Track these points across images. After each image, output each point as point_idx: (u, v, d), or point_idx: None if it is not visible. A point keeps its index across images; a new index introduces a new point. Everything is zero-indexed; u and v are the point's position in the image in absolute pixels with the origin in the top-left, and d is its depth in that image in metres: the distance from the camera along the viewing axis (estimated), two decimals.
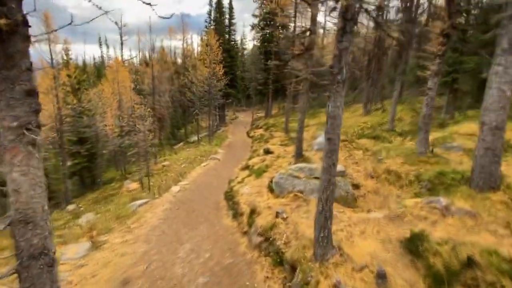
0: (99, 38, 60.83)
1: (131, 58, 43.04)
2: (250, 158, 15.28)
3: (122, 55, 48.45)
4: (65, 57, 18.51)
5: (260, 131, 27.13)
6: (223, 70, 24.88)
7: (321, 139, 12.43)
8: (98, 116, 20.52)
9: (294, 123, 25.22)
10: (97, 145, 19.64)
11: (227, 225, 7.59)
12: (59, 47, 15.77)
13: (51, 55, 15.11)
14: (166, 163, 21.23)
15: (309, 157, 10.48)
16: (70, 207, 16.20)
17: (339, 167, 7.53)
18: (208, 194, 10.52)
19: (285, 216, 5.70)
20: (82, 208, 15.66)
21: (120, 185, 18.47)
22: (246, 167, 13.54)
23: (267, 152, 15.06)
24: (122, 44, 45.50)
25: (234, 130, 32.63)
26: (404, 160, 8.12)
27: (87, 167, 20.23)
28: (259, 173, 10.29)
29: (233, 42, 38.97)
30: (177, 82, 40.97)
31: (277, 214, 5.85)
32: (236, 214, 7.70)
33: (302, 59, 9.44)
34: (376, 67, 17.68)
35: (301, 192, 6.74)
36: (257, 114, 48.73)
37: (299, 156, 9.90)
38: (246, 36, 59.24)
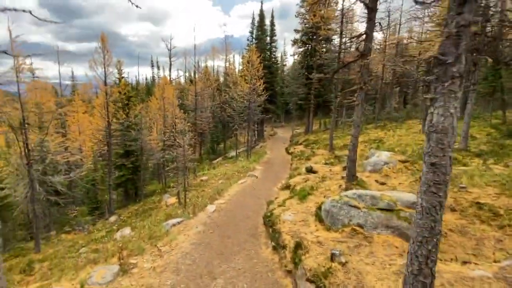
0: (151, 61, 66.64)
1: (178, 77, 45.59)
2: (290, 177, 14.06)
3: (170, 75, 52.13)
4: (117, 75, 19.88)
5: (300, 147, 25.76)
6: (263, 86, 24.50)
7: (375, 158, 10.75)
8: (145, 131, 21.39)
9: (338, 139, 23.38)
10: (141, 158, 20.27)
11: (267, 258, 6.43)
12: (112, 68, 16.84)
13: (105, 74, 16.19)
14: (204, 178, 21.04)
15: (362, 179, 8.92)
16: (113, 218, 16.59)
17: (409, 196, 5.97)
18: (244, 216, 9.53)
19: (343, 261, 4.39)
20: (122, 220, 15.89)
21: (160, 199, 18.59)
22: (287, 187, 12.34)
23: (310, 171, 13.69)
24: (170, 64, 48.84)
25: (273, 146, 31.71)
26: (500, 190, 6.19)
27: (131, 179, 20.96)
28: (302, 195, 9.03)
29: (273, 59, 39.08)
30: (219, 99, 42.15)
31: (332, 256, 4.56)
32: (277, 246, 6.52)
33: (356, 67, 8.24)
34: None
35: (361, 226, 5.35)
36: (296, 130, 47.42)
37: (352, 178, 8.43)
38: (286, 53, 59.42)
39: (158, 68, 72.68)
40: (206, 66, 52.75)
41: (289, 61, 59.90)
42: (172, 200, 16.78)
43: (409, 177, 9.02)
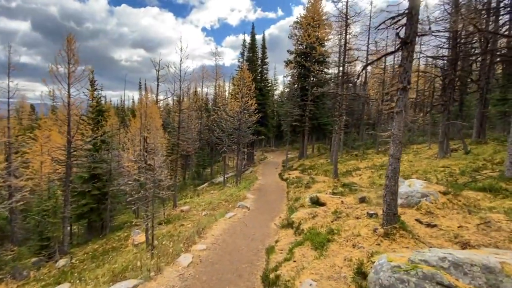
0: (139, 83, 64.59)
1: (166, 98, 43.36)
2: (291, 210, 11.26)
3: (157, 94, 49.94)
4: (87, 88, 17.20)
5: (296, 173, 23.19)
6: (255, 105, 22.39)
7: (406, 189, 8.23)
8: (118, 152, 18.28)
9: (341, 164, 20.88)
10: (110, 184, 16.90)
11: None
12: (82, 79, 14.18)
13: (68, 80, 13.52)
14: (185, 207, 17.86)
15: (405, 220, 6.29)
16: (62, 261, 12.88)
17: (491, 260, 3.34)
18: (234, 273, 6.54)
19: None
20: (73, 265, 12.24)
21: (128, 235, 15.07)
22: (289, 224, 9.53)
23: (316, 202, 11.00)
24: (158, 85, 46.88)
25: (264, 171, 28.98)
26: None
27: (96, 209, 17.39)
28: (319, 242, 6.25)
29: (265, 81, 37.76)
30: (207, 120, 39.88)
31: None
32: None
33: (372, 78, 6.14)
34: (452, 94, 13.70)
35: None
36: (288, 155, 45.32)
37: (393, 218, 5.81)
38: (277, 79, 59.16)
39: (146, 90, 70.64)
40: (195, 89, 51.26)
41: (280, 87, 59.63)
42: (142, 237, 13.43)
43: (464, 215, 6.50)
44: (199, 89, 50.67)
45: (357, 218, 8.09)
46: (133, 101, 69.32)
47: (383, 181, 13.91)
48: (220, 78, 47.56)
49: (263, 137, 29.65)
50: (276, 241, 8.39)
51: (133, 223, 16.65)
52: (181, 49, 19.20)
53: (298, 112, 26.19)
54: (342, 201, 10.46)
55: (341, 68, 19.55)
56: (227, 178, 29.11)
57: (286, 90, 39.65)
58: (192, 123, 35.22)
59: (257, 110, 22.71)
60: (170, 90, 20.38)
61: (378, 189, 11.69)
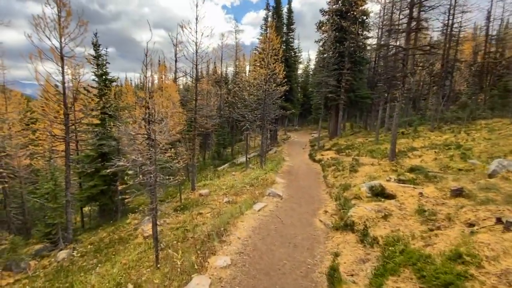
0: (158, 61, 62.12)
1: (185, 75, 40.79)
2: (342, 203, 8.28)
3: (176, 71, 47.45)
4: (91, 52, 14.68)
5: (331, 154, 19.96)
6: (283, 73, 18.93)
7: None
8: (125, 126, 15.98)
9: (381, 144, 16.99)
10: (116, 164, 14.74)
11: None
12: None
13: (60, 37, 10.96)
14: (204, 191, 15.57)
15: None
16: (63, 253, 11.09)
17: None
18: None
19: None
20: (72, 260, 10.36)
21: (139, 222, 13.03)
22: (347, 226, 6.61)
23: (381, 194, 7.91)
24: (176, 59, 44.24)
25: (290, 152, 25.98)
26: None
27: (106, 191, 15.54)
28: (441, 281, 3.29)
29: (291, 51, 33.53)
30: (227, 97, 36.98)
31: None
32: None
33: None
34: None
35: None
36: (312, 134, 41.65)
37: None
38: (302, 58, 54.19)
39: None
40: (215, 68, 47.97)
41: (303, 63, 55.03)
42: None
43: None
44: (218, 70, 47.57)
45: (470, 225, 4.96)
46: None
47: (460, 164, 10.42)
48: (240, 52, 43.96)
49: (291, 112, 26.27)
50: (336, 255, 5.52)
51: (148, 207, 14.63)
52: (196, 5, 15.88)
53: (333, 83, 22.29)
54: (420, 193, 7.27)
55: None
56: (249, 158, 26.53)
57: (315, 60, 35.32)
58: (212, 99, 32.59)
59: (284, 80, 19.30)
60: (189, 71, 17.45)
61: (464, 176, 8.32)
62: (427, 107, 26.77)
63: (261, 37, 30.68)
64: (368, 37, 25.49)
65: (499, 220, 4.46)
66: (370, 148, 17.24)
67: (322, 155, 20.22)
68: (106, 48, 16.40)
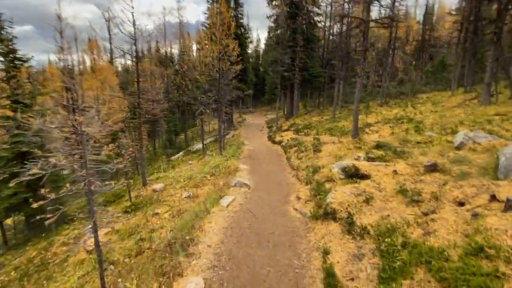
0: (89, 40, 53.54)
1: (123, 55, 35.83)
2: (317, 187, 7.71)
3: (111, 51, 41.30)
4: None
5: (289, 134, 19.65)
6: (237, 50, 17.44)
7: None
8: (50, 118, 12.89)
9: (346, 121, 17.02)
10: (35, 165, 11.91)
11: None
12: None
13: None
14: (158, 185, 13.82)
15: None
16: None
17: None
18: None
19: None
20: None
21: (79, 235, 10.77)
22: (328, 214, 6.01)
23: (355, 174, 7.52)
24: (110, 38, 38.36)
25: (248, 135, 25.12)
26: None
27: (28, 200, 12.58)
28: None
29: (241, 29, 31.62)
30: (174, 79, 33.81)
31: None
32: None
33: None
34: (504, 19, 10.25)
35: None
36: (267, 116, 41.41)
37: None
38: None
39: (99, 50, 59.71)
40: (158, 48, 43.16)
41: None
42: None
43: None
44: (162, 49, 43.05)
45: (460, 204, 4.72)
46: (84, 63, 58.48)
47: (418, 138, 10.77)
48: (184, 29, 40.18)
49: (247, 93, 25.09)
50: (325, 252, 4.84)
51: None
52: None
53: (288, 61, 21.61)
54: (394, 171, 7.06)
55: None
56: (206, 144, 24.93)
57: (267, 38, 34.23)
58: (157, 81, 29.33)
59: (239, 58, 17.86)
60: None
61: (428, 149, 8.49)
62: (373, 84, 28.32)
63: (207, 12, 28.01)
64: (318, 14, 25.21)
65: (493, 198, 4.20)
66: (328, 126, 17.34)
67: (281, 136, 19.82)
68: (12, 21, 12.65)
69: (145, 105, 16.76)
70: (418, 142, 10.03)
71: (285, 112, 27.15)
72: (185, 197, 10.79)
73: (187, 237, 5.59)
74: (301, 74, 23.53)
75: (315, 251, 5.12)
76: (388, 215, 5.02)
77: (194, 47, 47.22)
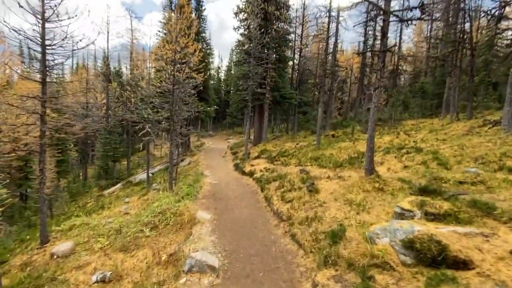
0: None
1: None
2: (363, 284, 3.81)
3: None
4: None
5: (262, 163, 15.77)
6: (200, 55, 13.55)
7: None
8: None
9: (333, 149, 13.42)
10: None
11: None
12: None
13: None
14: (64, 246, 8.49)
15: None
16: None
17: None
18: None
19: None
20: None
21: None
22: None
23: (441, 260, 3.76)
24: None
25: (210, 162, 20.59)
26: None
27: None
28: None
29: (203, 41, 28.21)
30: (121, 95, 28.23)
31: None
32: None
33: None
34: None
35: None
36: (229, 140, 37.50)
37: None
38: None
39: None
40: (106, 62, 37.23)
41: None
42: None
43: None
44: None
45: None
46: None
47: (454, 175, 6.67)
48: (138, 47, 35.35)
49: (213, 109, 20.95)
50: None
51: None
52: None
53: (260, 75, 18.36)
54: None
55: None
56: (153, 174, 19.60)
57: (233, 55, 31.28)
58: (97, 97, 23.63)
59: (202, 65, 13.96)
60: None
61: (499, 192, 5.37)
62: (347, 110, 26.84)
63: (163, 20, 23.96)
64: (289, 32, 23.21)
65: None
66: (312, 155, 13.99)
67: (252, 165, 15.84)
68: None
69: (60, 118, 11.47)
70: (461, 182, 6.99)
71: (253, 137, 23.50)
72: (96, 283, 5.90)
73: None
74: (271, 95, 20.52)
75: None
76: None
77: (148, 63, 42.34)
